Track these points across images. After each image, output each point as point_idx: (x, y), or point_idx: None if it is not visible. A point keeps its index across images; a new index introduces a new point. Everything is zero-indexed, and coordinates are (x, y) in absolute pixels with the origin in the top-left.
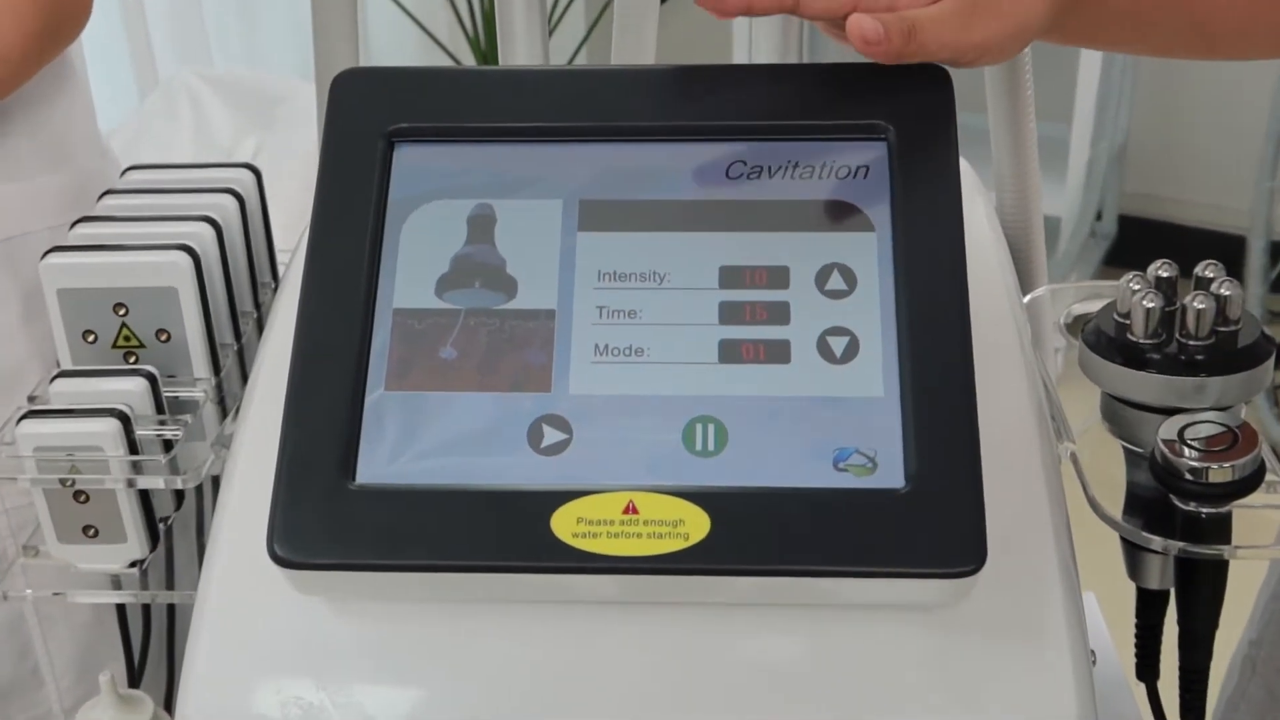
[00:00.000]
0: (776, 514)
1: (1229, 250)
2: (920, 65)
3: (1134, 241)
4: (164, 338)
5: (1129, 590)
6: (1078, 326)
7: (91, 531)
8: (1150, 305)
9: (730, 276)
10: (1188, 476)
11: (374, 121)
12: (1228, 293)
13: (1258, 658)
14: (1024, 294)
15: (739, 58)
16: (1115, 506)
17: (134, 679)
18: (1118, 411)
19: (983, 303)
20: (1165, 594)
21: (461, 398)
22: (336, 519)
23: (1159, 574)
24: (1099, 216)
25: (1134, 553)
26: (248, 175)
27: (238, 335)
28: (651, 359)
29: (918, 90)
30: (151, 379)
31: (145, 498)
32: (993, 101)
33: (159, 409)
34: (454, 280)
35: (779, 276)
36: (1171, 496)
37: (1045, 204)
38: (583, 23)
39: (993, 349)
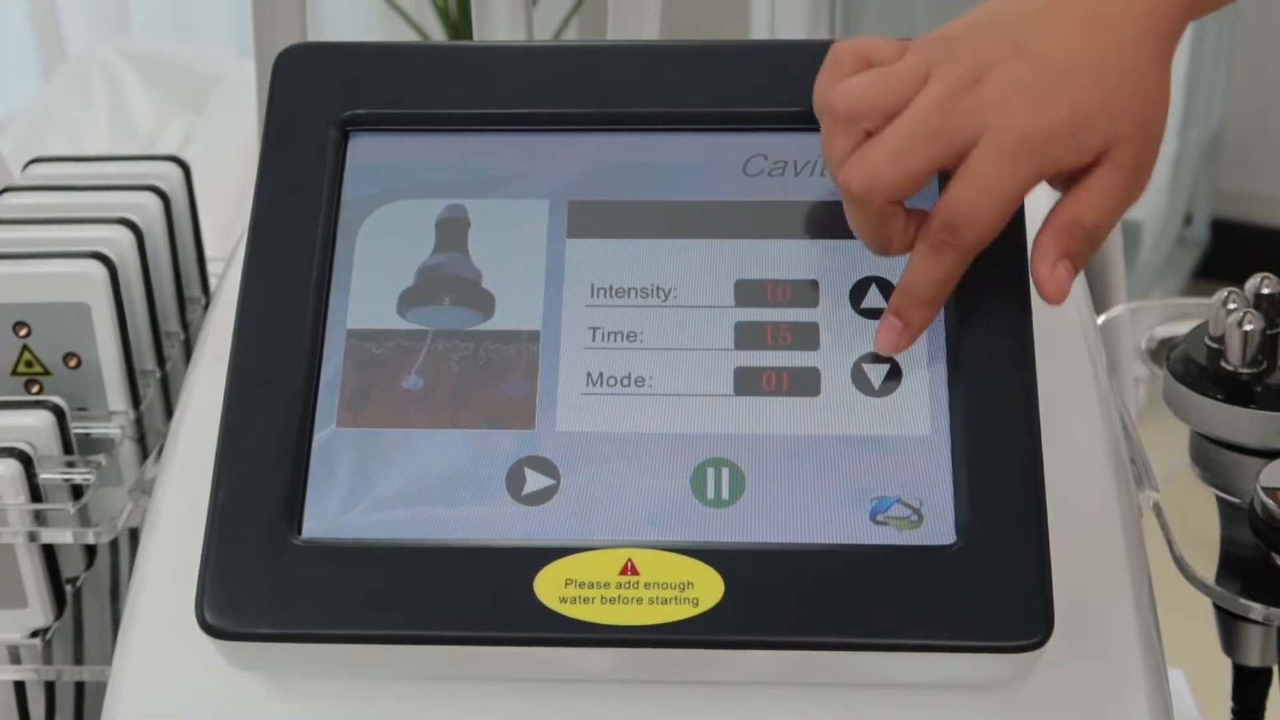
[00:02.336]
0: (802, 576)
1: None
2: None
3: (1230, 251)
4: (73, 363)
5: (1224, 668)
6: (1163, 352)
7: None
8: (1249, 328)
9: (748, 292)
10: None
11: (324, 107)
12: None
13: None
14: (1098, 313)
15: (759, 33)
16: (1207, 568)
17: None
18: (1210, 454)
19: (1048, 323)
20: (1267, 672)
21: (428, 436)
22: (278, 580)
23: (1260, 648)
24: (1188, 220)
25: (1230, 623)
26: (174, 170)
27: (161, 361)
28: (654, 390)
29: None
30: (58, 412)
31: (50, 554)
32: None
33: (67, 448)
34: (420, 296)
35: (806, 292)
36: (1275, 556)
37: None
38: None
39: (1060, 379)
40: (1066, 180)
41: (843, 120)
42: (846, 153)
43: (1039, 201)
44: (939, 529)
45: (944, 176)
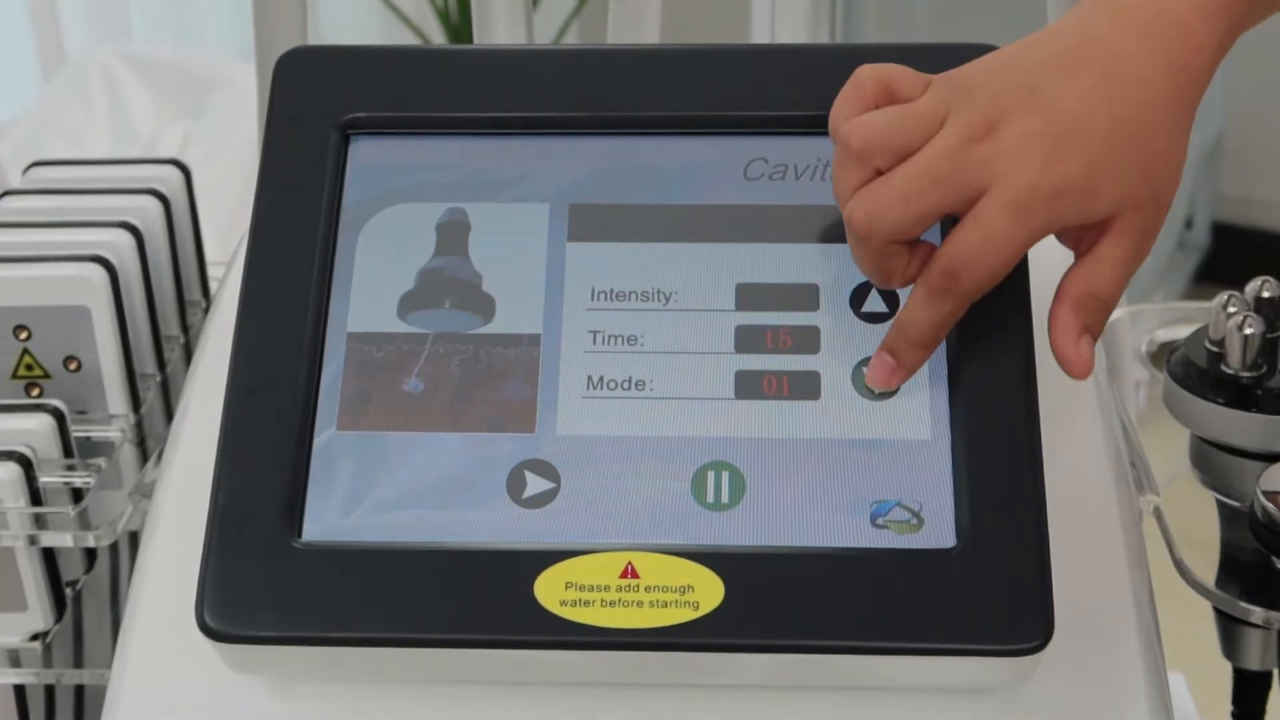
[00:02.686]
0: (803, 579)
1: None
2: (971, 45)
3: (1230, 254)
4: (73, 366)
5: (1225, 671)
6: (1163, 356)
7: None
8: (1249, 331)
9: (749, 296)
10: None
11: (325, 110)
12: None
13: None
14: None
15: (759, 36)
16: (1208, 571)
17: None
18: (1210, 458)
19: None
20: (1267, 676)
21: (428, 439)
22: (278, 583)
23: (1260, 652)
24: (1188, 224)
25: (1230, 626)
26: (174, 173)
27: (161, 364)
28: (655, 394)
29: None
30: (58, 415)
31: (50, 557)
32: None
33: (67, 451)
34: (420, 299)
35: (806, 296)
36: (1275, 559)
37: None
38: None
39: (1060, 383)
40: (1074, 238)
41: (854, 155)
42: (855, 187)
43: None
44: (939, 532)
45: (952, 221)
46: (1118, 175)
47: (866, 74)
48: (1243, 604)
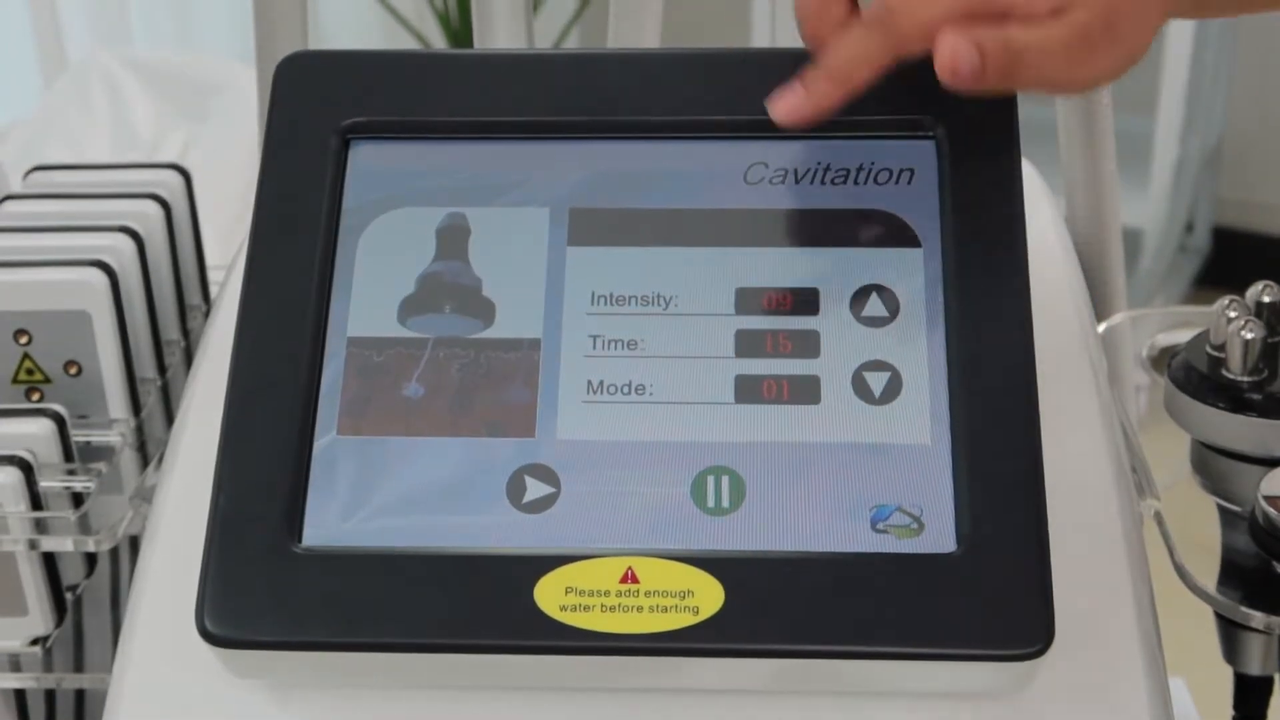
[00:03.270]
0: (803, 584)
1: None
2: None
3: (1231, 259)
4: (74, 371)
5: (1226, 676)
6: (1164, 360)
7: None
8: (1250, 336)
9: (748, 300)
10: None
11: (325, 114)
12: None
13: None
14: (1099, 321)
15: (759, 41)
16: (1209, 576)
17: None
18: (1211, 462)
19: (1050, 332)
20: (1268, 681)
21: (428, 444)
22: (279, 588)
23: (1261, 657)
24: (1189, 228)
25: (1231, 631)
26: (175, 178)
27: (162, 369)
28: (655, 398)
29: None
30: (59, 420)
31: (50, 562)
32: None
33: (67, 456)
34: (420, 303)
35: (806, 300)
36: (1275, 564)
37: (1125, 213)
38: None
39: (1061, 387)
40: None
41: None
42: None
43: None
44: (939, 537)
45: None
46: None
47: None
48: (1243, 609)
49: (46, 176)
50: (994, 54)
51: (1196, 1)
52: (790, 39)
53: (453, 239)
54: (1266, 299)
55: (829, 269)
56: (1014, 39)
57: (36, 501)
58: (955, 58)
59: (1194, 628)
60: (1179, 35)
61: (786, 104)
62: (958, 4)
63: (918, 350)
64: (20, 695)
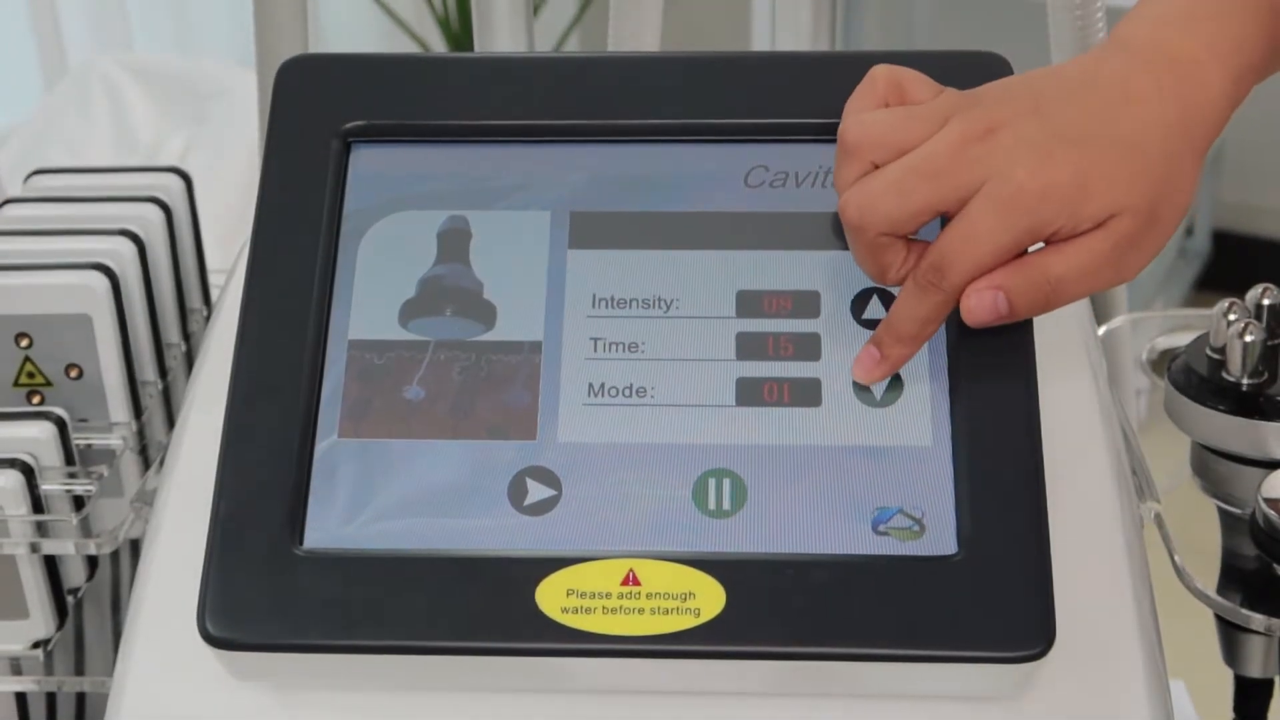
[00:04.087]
0: (804, 586)
1: None
2: (975, 52)
3: (1231, 262)
4: (75, 374)
5: (1226, 678)
6: (1164, 363)
7: None
8: (1250, 339)
9: (749, 303)
10: None
11: (326, 118)
12: None
13: None
14: (1099, 324)
15: (759, 44)
16: (1209, 578)
17: None
18: (1211, 465)
19: (1050, 334)
20: (1269, 683)
21: (429, 446)
22: (281, 590)
23: (1261, 659)
24: (1189, 231)
25: (1231, 633)
26: (175, 181)
27: (163, 372)
28: (656, 401)
29: (973, 82)
30: (60, 423)
31: (52, 565)
32: None
33: (68, 459)
34: (421, 307)
35: (807, 303)
36: (1276, 566)
37: None
38: (573, 1)
39: (1062, 390)
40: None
41: (849, 149)
42: (849, 182)
43: None
44: (940, 539)
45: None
46: (1111, 182)
47: (881, 72)
48: (1244, 611)
49: (47, 180)
50: (1024, 292)
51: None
52: (790, 41)
53: (454, 242)
54: (1266, 302)
55: (830, 272)
56: (1051, 270)
57: (38, 505)
58: (974, 311)
59: (1194, 630)
60: None
61: (864, 367)
62: (1002, 246)
63: (919, 353)
64: (21, 698)
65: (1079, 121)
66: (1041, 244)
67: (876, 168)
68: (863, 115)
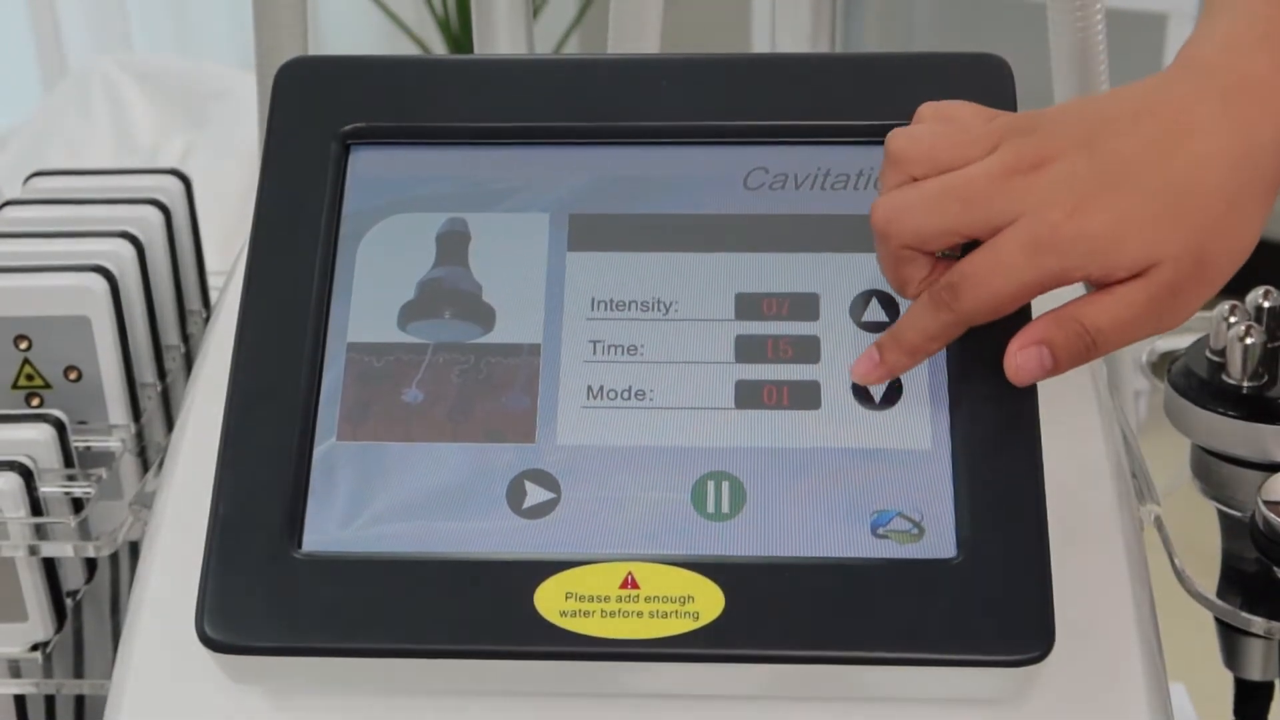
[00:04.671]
0: (803, 589)
1: None
2: (974, 54)
3: None
4: (74, 376)
5: (1226, 681)
6: (1164, 366)
7: None
8: (1250, 341)
9: (748, 305)
10: None
11: (326, 120)
12: None
13: None
14: None
15: (759, 46)
16: (1209, 581)
17: None
18: (1211, 467)
19: None
20: (1269, 686)
21: (428, 449)
22: (279, 593)
23: (1261, 662)
24: None
25: (1231, 636)
26: (175, 183)
27: (162, 374)
28: (655, 403)
29: (971, 84)
30: (59, 425)
31: (50, 567)
32: (1061, 93)
33: (67, 461)
34: (420, 309)
35: (806, 305)
36: (1276, 569)
37: None
38: (573, 3)
39: (1061, 392)
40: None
41: (892, 159)
42: (887, 190)
43: None
44: (940, 542)
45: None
46: (1153, 229)
47: (928, 109)
48: (1244, 614)
49: (46, 182)
50: (1066, 345)
51: None
52: (790, 43)
53: (453, 245)
54: (1266, 304)
55: (829, 274)
56: (1088, 321)
57: (36, 507)
58: (1022, 370)
59: (1194, 633)
60: (1178, 32)
61: (862, 368)
62: (1024, 283)
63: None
64: (20, 701)
65: (1131, 159)
66: (1080, 292)
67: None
68: (913, 129)
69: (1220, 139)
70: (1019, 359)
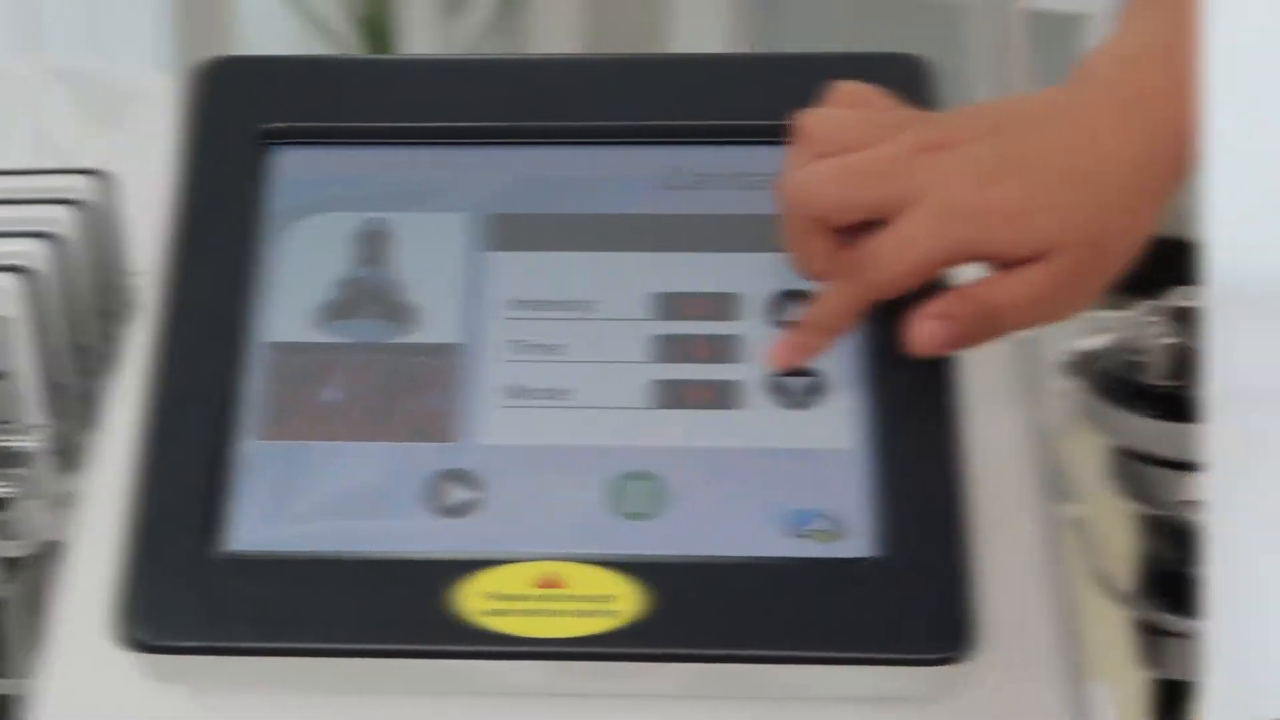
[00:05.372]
0: (724, 589)
1: None
2: (891, 53)
3: (1150, 264)
4: None
5: (1144, 681)
6: (1082, 366)
7: None
8: (1168, 341)
9: (669, 305)
10: None
11: (245, 119)
12: None
13: None
14: None
15: (679, 47)
16: (1128, 581)
17: None
18: (1129, 468)
19: None
20: (1186, 686)
21: (349, 448)
22: (200, 592)
23: (1179, 662)
24: None
25: (1149, 637)
26: (92, 183)
27: (82, 374)
28: (575, 403)
29: (891, 83)
30: None
31: None
32: (979, 96)
33: None
34: (340, 309)
35: (726, 305)
36: (1192, 569)
37: None
38: (493, 3)
39: (981, 392)
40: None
41: (802, 138)
42: (795, 168)
43: None
44: (860, 542)
45: None
46: (1057, 213)
47: (845, 86)
48: (1162, 614)
49: None
50: (966, 319)
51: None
52: (709, 44)
53: (373, 244)
54: (1184, 304)
55: (749, 274)
56: (991, 299)
57: None
58: (919, 339)
59: (1113, 633)
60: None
61: (777, 351)
62: (932, 254)
63: (838, 354)
64: None
65: (1036, 149)
66: (984, 273)
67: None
68: (824, 110)
69: (1123, 144)
70: (918, 329)
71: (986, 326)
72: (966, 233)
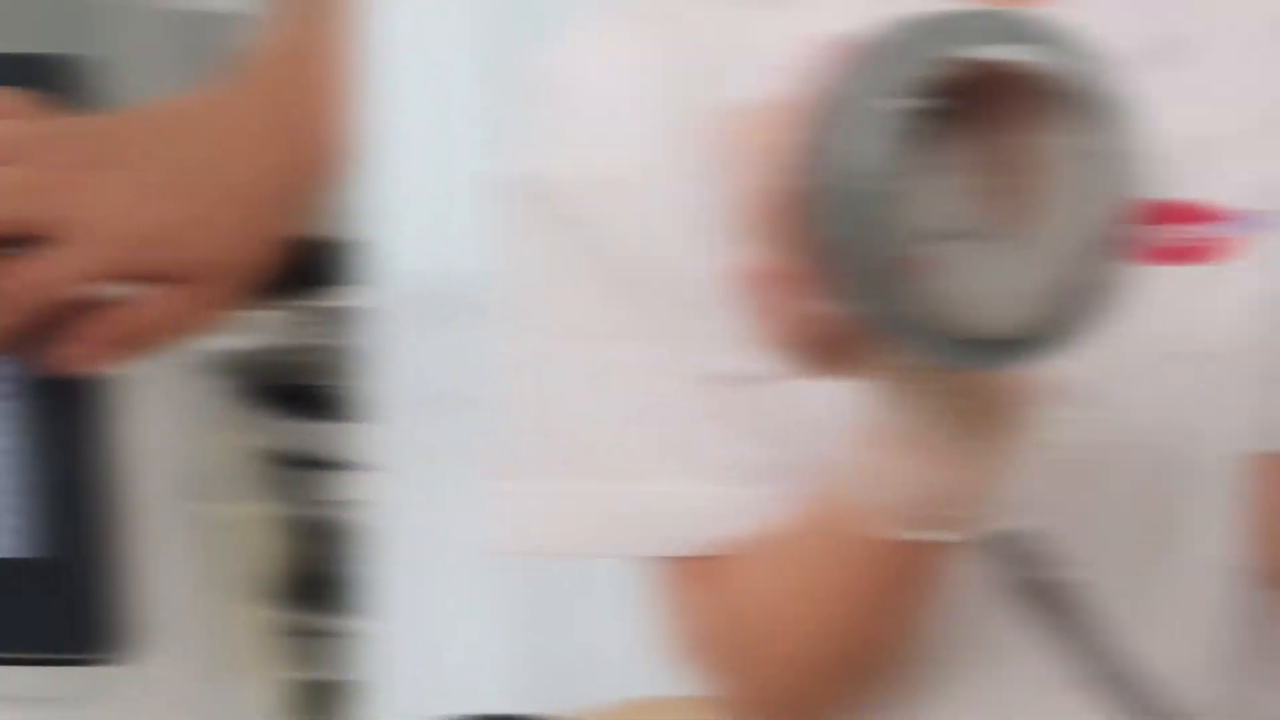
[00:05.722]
0: None
1: None
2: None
3: (298, 261)
4: None
5: (298, 680)
6: (233, 364)
7: None
8: (314, 341)
9: None
10: None
11: None
12: None
13: None
14: None
15: None
16: (275, 582)
17: None
18: (276, 469)
19: None
20: (335, 685)
21: None
22: None
23: (324, 660)
24: None
25: (298, 636)
26: None
27: None
28: None
29: (37, 85)
30: None
31: None
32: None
33: None
34: None
35: None
36: (334, 565)
37: None
38: None
39: (129, 391)
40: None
41: None
42: None
43: None
44: (19, 541)
45: None
46: (213, 226)
47: None
48: (308, 614)
49: None
50: (107, 342)
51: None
52: None
53: None
54: (332, 304)
55: None
56: (133, 321)
57: None
58: (65, 362)
59: (260, 633)
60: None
61: None
62: (83, 277)
63: None
64: None
65: (195, 162)
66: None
67: None
68: None
69: (273, 149)
70: (62, 351)
71: (128, 348)
72: (120, 255)
